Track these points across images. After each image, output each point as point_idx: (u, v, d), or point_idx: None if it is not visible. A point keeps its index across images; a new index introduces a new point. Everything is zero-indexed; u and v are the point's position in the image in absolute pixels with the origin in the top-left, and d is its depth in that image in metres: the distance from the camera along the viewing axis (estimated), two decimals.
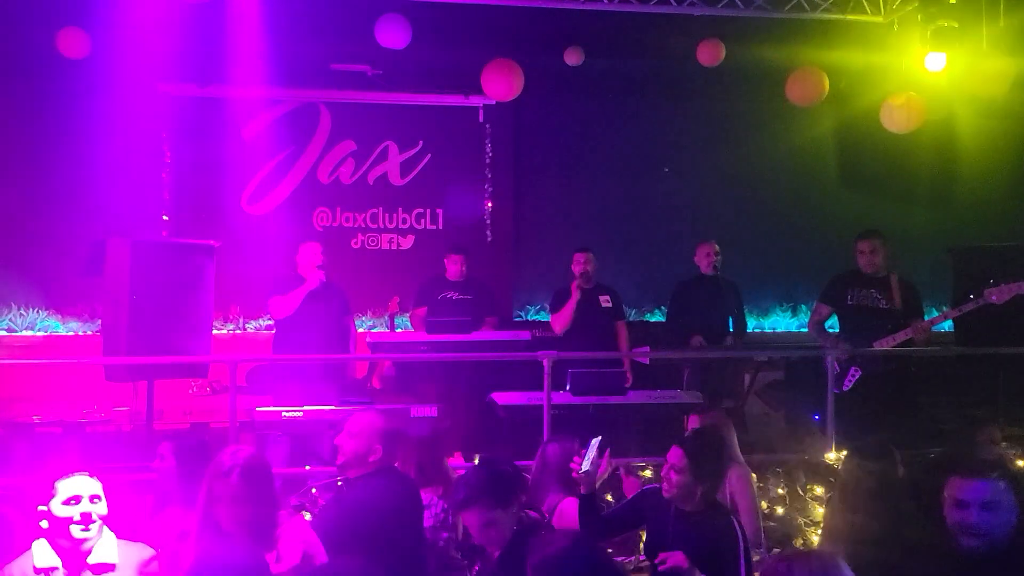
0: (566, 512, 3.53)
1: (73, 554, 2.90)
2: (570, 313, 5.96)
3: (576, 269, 6.03)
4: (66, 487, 2.91)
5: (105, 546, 2.95)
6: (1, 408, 5.88)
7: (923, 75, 6.62)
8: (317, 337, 5.71)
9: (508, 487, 3.04)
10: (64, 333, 7.32)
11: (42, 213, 7.30)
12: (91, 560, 2.91)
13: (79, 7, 6.54)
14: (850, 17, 6.88)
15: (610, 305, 6.07)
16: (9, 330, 7.29)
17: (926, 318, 5.46)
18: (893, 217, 7.85)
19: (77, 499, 2.89)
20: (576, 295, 5.95)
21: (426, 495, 3.62)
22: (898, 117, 6.99)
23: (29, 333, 7.28)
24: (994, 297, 5.13)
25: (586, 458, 3.38)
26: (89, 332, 7.26)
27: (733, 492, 3.71)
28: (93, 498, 2.92)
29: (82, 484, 2.93)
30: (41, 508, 2.93)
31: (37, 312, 7.35)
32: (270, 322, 6.64)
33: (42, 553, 2.90)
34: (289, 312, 5.75)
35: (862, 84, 7.46)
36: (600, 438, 3.45)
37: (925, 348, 5.54)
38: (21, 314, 7.32)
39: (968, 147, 8.19)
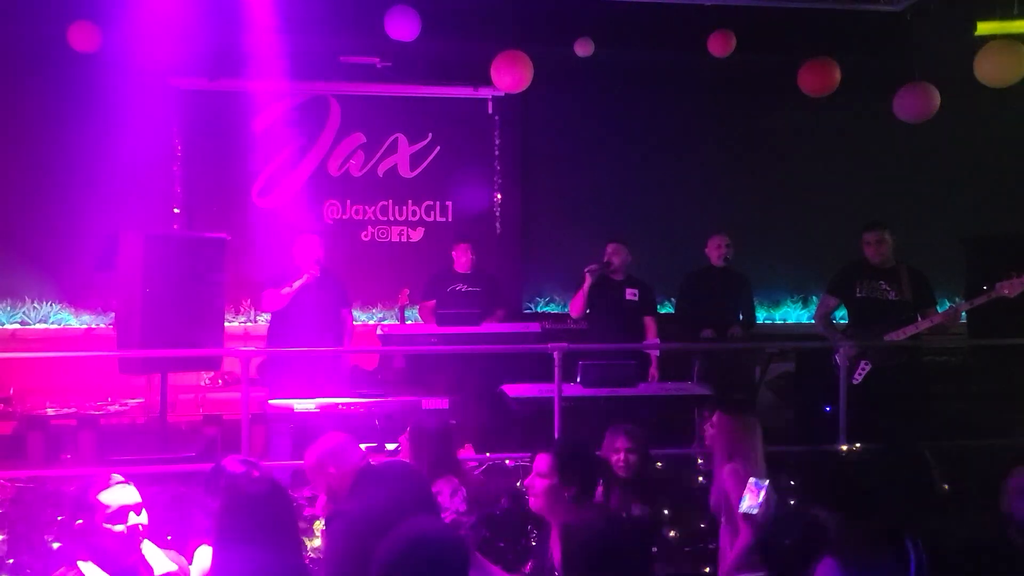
0: None
1: (125, 571, 2.73)
2: (581, 299, 5.99)
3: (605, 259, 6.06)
4: (112, 500, 2.73)
5: (153, 558, 2.80)
6: (16, 401, 5.93)
7: (937, 65, 6.57)
8: (309, 330, 5.68)
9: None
10: (77, 326, 7.37)
11: (54, 207, 7.34)
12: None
13: (90, 1, 6.55)
14: (863, 7, 6.84)
15: (635, 299, 6.06)
16: (23, 323, 7.34)
17: (939, 309, 5.43)
18: (905, 207, 7.81)
19: (124, 513, 2.74)
20: (586, 281, 5.96)
21: (442, 486, 3.62)
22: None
23: (42, 326, 7.33)
24: (1006, 291, 5.10)
25: (749, 497, 3.29)
26: (102, 325, 7.31)
27: (728, 490, 3.63)
28: (137, 508, 2.77)
29: (127, 495, 2.77)
30: (80, 523, 2.74)
31: (50, 305, 7.40)
32: None
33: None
34: (280, 306, 5.77)
35: (874, 74, 7.40)
36: (767, 483, 3.34)
37: (934, 342, 5.52)
38: (35, 307, 7.37)
39: (982, 135, 8.14)
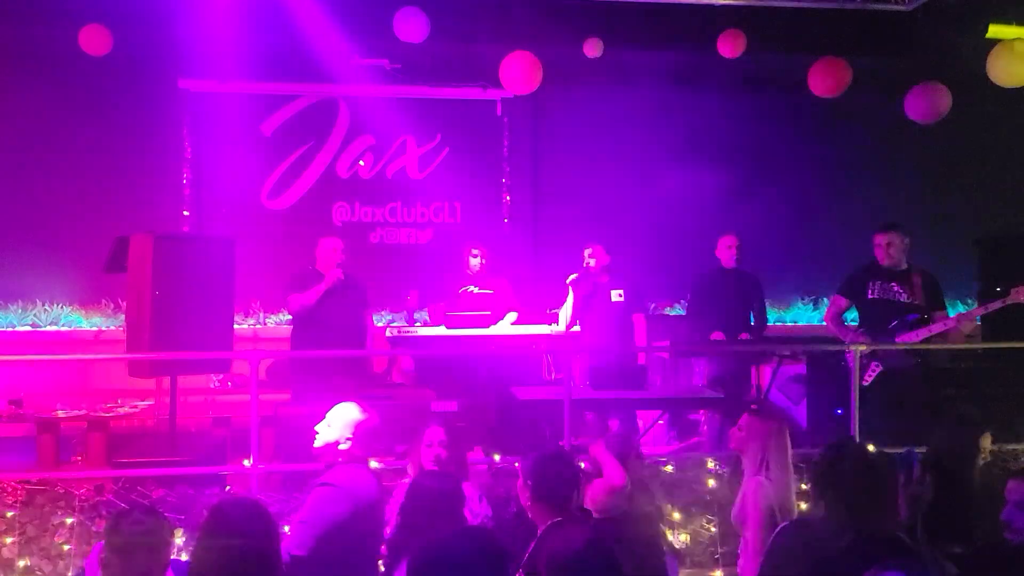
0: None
1: None
2: (573, 312, 5.99)
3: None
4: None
5: None
6: (26, 403, 5.93)
7: (948, 65, 6.53)
8: (334, 333, 5.67)
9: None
10: (88, 328, 7.39)
11: (65, 210, 7.36)
12: None
13: (101, 4, 6.57)
14: (873, 7, 6.81)
15: (622, 300, 6.04)
16: (34, 326, 7.37)
17: (951, 313, 5.38)
18: (916, 208, 7.76)
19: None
20: (573, 293, 5.97)
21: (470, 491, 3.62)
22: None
23: (53, 328, 7.35)
24: (1022, 297, 5.06)
25: None
26: (112, 327, 7.32)
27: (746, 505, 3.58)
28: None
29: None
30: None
31: (61, 308, 7.42)
32: (289, 317, 6.65)
33: None
34: (307, 306, 5.76)
35: (885, 74, 7.38)
36: None
37: (947, 343, 5.46)
38: (45, 310, 7.39)
39: (994, 134, 8.08)
